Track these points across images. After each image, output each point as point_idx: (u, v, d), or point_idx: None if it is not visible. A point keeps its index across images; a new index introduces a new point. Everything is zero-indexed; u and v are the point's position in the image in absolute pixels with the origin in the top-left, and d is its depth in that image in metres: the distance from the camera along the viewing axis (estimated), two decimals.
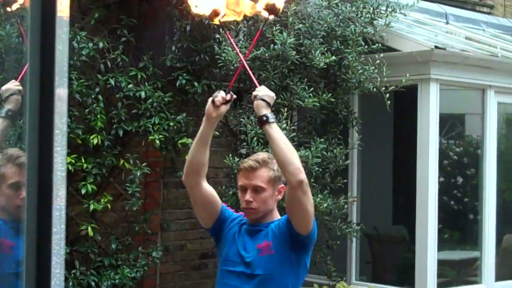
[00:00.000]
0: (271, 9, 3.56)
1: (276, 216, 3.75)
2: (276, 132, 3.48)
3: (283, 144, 3.45)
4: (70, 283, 6.12)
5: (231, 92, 3.59)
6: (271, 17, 3.65)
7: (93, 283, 6.24)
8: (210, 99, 3.59)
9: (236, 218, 3.77)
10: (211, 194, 3.75)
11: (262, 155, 3.76)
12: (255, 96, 3.55)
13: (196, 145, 3.70)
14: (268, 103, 3.51)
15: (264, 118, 3.47)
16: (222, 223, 3.75)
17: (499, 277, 7.79)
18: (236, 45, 6.45)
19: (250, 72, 3.73)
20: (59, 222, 1.10)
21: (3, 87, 3.56)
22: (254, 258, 3.60)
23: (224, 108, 3.58)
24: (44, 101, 1.07)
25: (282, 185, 3.69)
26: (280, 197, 3.74)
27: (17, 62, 5.72)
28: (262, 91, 3.56)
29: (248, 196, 3.61)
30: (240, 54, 3.78)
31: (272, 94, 3.58)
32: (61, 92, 1.07)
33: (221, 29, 6.54)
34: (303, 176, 3.43)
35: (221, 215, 3.75)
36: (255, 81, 3.69)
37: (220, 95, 3.58)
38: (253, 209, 3.63)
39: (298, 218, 3.54)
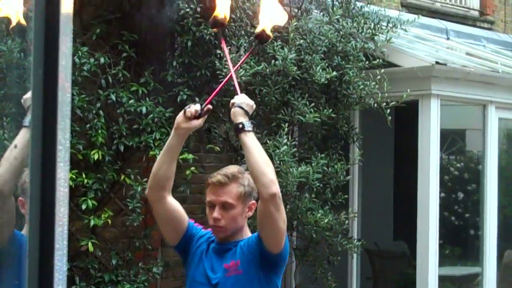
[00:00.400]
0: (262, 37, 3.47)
1: (247, 234, 3.52)
2: (252, 141, 3.28)
3: (258, 154, 3.26)
4: None
5: (208, 106, 3.38)
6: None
7: None
8: (183, 110, 3.39)
9: (204, 235, 3.54)
10: (176, 210, 3.49)
11: (232, 169, 3.52)
12: (233, 104, 3.36)
13: (162, 157, 3.43)
14: (246, 111, 3.32)
15: (240, 125, 3.28)
16: (189, 240, 3.52)
17: None
18: (233, 59, 6.47)
19: (236, 82, 3.53)
20: (61, 239, 1.10)
21: (26, 96, 3.48)
22: (221, 279, 3.37)
23: (196, 123, 3.35)
24: (48, 116, 1.07)
25: (253, 201, 3.48)
26: (250, 213, 3.51)
27: (19, 77, 5.72)
28: (241, 99, 3.36)
29: (216, 213, 3.38)
30: (230, 63, 3.55)
31: (252, 102, 3.39)
32: (64, 108, 1.07)
33: (217, 41, 6.55)
34: (276, 188, 3.22)
35: (188, 231, 3.51)
36: (238, 90, 3.46)
37: (193, 107, 3.36)
38: (221, 227, 3.40)
39: (269, 235, 3.32)
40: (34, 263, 1.08)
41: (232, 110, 3.35)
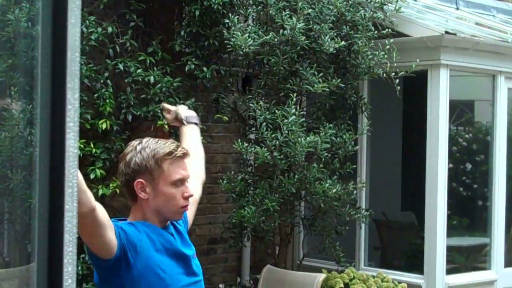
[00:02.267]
0: None
1: None
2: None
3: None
4: (79, 267, 6.13)
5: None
6: None
7: None
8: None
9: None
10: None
11: (172, 142, 3.08)
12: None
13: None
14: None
15: (196, 119, 3.60)
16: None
17: (508, 263, 7.77)
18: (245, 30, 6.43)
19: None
20: (71, 200, 1.09)
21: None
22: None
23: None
24: (57, 76, 1.05)
25: None
26: None
27: (26, 46, 5.70)
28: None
29: (190, 189, 3.01)
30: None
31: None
32: (73, 67, 1.05)
33: (230, 14, 6.52)
34: None
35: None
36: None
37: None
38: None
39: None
40: (44, 224, 1.07)
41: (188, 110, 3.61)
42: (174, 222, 3.07)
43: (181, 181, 2.95)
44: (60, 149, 1.07)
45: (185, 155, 2.97)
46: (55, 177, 1.08)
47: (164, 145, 2.94)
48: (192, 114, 3.58)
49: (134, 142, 2.99)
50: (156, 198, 2.91)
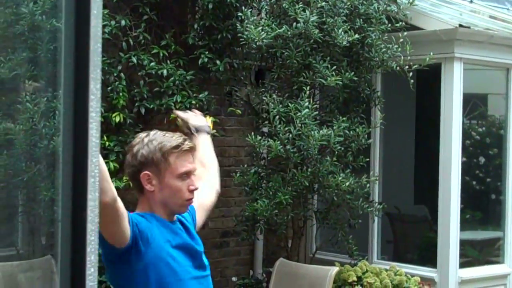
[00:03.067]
0: None
1: None
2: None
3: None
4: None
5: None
6: None
7: None
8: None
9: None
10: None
11: (179, 135, 3.10)
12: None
13: None
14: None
15: (208, 128, 3.53)
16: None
17: None
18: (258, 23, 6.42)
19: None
20: (93, 189, 1.09)
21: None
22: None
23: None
24: (80, 66, 1.06)
25: None
26: None
27: (40, 40, 5.71)
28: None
29: (196, 183, 3.00)
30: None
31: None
32: (95, 58, 1.06)
33: (243, 7, 6.51)
34: None
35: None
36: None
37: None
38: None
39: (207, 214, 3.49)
40: (67, 214, 1.08)
41: (201, 116, 3.56)
42: (182, 220, 3.06)
43: (187, 174, 2.94)
44: (83, 139, 1.07)
45: (191, 149, 2.97)
46: (78, 166, 1.08)
47: (171, 138, 2.93)
48: (202, 123, 3.51)
49: (142, 134, 2.99)
50: (162, 191, 2.92)
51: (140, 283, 2.84)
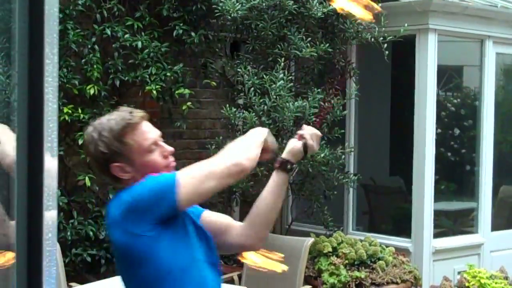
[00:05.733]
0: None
1: None
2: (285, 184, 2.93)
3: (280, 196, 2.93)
4: (68, 233, 6.15)
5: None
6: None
7: (91, 233, 6.27)
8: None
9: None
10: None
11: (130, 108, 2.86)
12: (302, 136, 2.91)
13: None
14: (304, 153, 2.90)
15: (289, 166, 2.89)
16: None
17: (495, 227, 7.84)
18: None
19: None
20: (50, 154, 1.09)
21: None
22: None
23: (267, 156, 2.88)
24: (34, 29, 1.05)
25: None
26: None
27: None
28: (311, 131, 2.91)
29: (169, 147, 2.81)
30: None
31: (319, 133, 2.94)
32: (51, 22, 1.05)
33: None
34: None
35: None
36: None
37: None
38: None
39: None
40: (23, 182, 1.07)
41: (296, 145, 2.90)
42: (192, 217, 2.87)
43: (154, 144, 2.74)
44: (38, 104, 1.07)
45: (142, 118, 2.73)
46: (33, 132, 1.08)
47: (117, 120, 2.71)
48: (292, 158, 2.91)
49: (89, 130, 2.74)
50: (139, 172, 2.71)
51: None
